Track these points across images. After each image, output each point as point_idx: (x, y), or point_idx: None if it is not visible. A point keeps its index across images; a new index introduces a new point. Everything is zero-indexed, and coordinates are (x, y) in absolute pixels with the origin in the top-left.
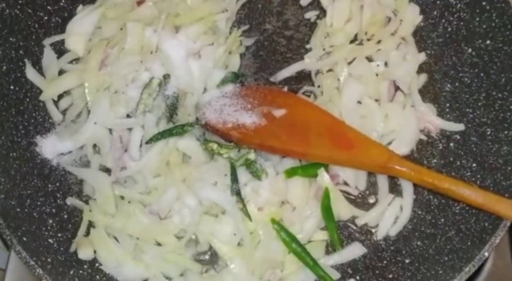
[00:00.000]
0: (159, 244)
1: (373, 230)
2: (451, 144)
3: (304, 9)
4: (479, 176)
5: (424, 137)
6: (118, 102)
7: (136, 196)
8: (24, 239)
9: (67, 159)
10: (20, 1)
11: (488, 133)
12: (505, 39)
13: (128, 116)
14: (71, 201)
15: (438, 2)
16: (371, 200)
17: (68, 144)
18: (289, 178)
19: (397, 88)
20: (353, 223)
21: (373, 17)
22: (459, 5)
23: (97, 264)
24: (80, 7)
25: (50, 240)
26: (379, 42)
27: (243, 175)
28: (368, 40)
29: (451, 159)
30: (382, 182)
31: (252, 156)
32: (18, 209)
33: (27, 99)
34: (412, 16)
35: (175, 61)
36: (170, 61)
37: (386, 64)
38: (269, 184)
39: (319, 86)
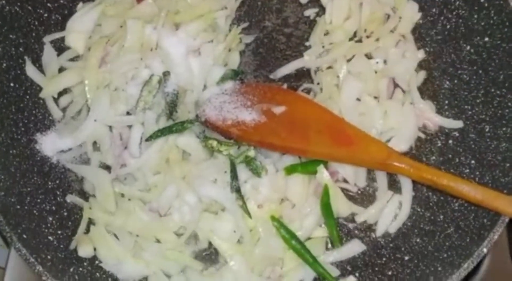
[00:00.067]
0: (159, 242)
1: (373, 227)
2: (450, 141)
3: (304, 7)
4: (477, 173)
5: (423, 134)
6: (118, 100)
7: (136, 193)
8: (24, 236)
9: (67, 156)
10: None
11: (487, 130)
12: (504, 36)
13: (128, 113)
14: (71, 198)
15: None
16: (370, 197)
17: (68, 141)
18: (289, 175)
19: (396, 85)
20: (353, 220)
21: (372, 15)
22: (457, 2)
23: (97, 262)
24: (80, 4)
25: (50, 238)
26: (378, 39)
27: (243, 172)
28: (367, 37)
29: (450, 156)
30: (381, 179)
31: (251, 153)
32: (18, 207)
33: (27, 97)
34: (411, 14)
35: (175, 58)
36: (170, 58)
37: (385, 61)
38: (268, 181)
39: (318, 83)
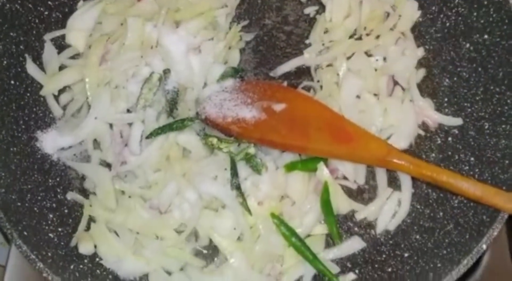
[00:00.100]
0: (159, 239)
1: (372, 224)
2: (449, 139)
3: (304, 5)
4: (477, 170)
5: (422, 132)
6: (119, 97)
7: (136, 190)
8: (25, 233)
9: (68, 154)
10: None
11: (486, 127)
12: (503, 33)
13: (128, 111)
14: (71, 196)
15: None
16: (370, 195)
17: (68, 139)
18: (289, 173)
19: (395, 83)
20: (352, 217)
21: (372, 13)
22: (457, 0)
23: (97, 259)
24: (81, 2)
25: (50, 235)
26: (378, 37)
27: (243, 170)
28: (367, 35)
29: (449, 153)
30: (381, 176)
31: (252, 150)
32: (19, 204)
33: (28, 94)
34: (411, 12)
35: (175, 56)
36: (170, 56)
37: (385, 59)
38: (269, 179)
39: (318, 81)
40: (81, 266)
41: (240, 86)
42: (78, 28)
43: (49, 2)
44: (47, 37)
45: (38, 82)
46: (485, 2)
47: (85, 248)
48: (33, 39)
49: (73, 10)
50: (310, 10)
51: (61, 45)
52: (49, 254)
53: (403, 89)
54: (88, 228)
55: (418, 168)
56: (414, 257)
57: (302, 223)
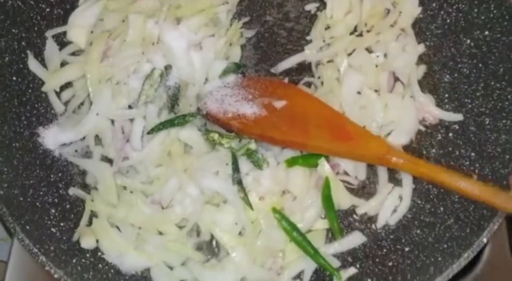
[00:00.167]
0: (161, 234)
1: (373, 219)
2: (450, 134)
3: (304, 1)
4: (477, 165)
5: (423, 128)
6: (120, 93)
7: (138, 186)
8: (27, 227)
9: (69, 149)
10: None
11: (487, 122)
12: (503, 29)
13: (130, 107)
14: (73, 191)
15: None
16: (371, 190)
17: (70, 135)
18: (290, 168)
19: (396, 79)
20: (353, 212)
21: (372, 9)
22: None
23: (99, 253)
24: None
25: (52, 229)
26: (378, 33)
27: (244, 165)
28: (368, 31)
29: (450, 148)
30: (382, 172)
31: (253, 146)
32: (21, 199)
33: (30, 90)
34: (411, 8)
35: (177, 52)
36: (171, 53)
37: (385, 55)
38: (270, 174)
39: (319, 77)
40: (83, 260)
41: (241, 82)
42: (79, 25)
43: None
44: (49, 33)
45: (39, 79)
46: None
47: (87, 243)
48: (35, 36)
49: (74, 6)
50: (311, 7)
51: (62, 41)
52: (52, 248)
53: (403, 85)
54: (90, 223)
55: (417, 166)
56: (415, 252)
57: (303, 218)
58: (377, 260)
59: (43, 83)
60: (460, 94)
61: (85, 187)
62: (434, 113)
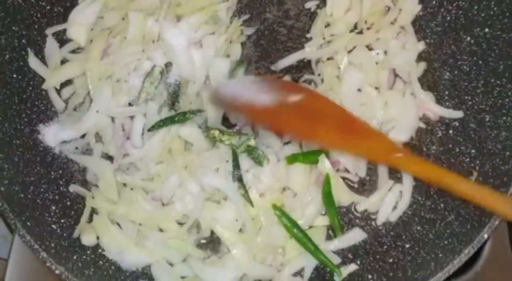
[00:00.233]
0: (161, 230)
1: (373, 216)
2: (450, 131)
3: None
4: (478, 162)
5: (423, 125)
6: (120, 91)
7: (138, 182)
8: (28, 224)
9: (70, 147)
10: None
11: (487, 119)
12: (504, 26)
13: (130, 104)
14: (74, 188)
15: None
16: (371, 187)
17: (70, 132)
18: (290, 165)
19: (396, 76)
20: (354, 209)
21: (372, 7)
22: None
23: (100, 250)
24: None
25: (53, 226)
26: (378, 31)
27: (245, 162)
28: (368, 29)
29: (450, 145)
30: (382, 168)
31: (252, 142)
32: (22, 195)
33: (30, 88)
34: (411, 5)
35: (177, 50)
36: (171, 50)
37: (385, 52)
38: (270, 171)
39: (319, 75)
40: (84, 256)
41: (258, 79)
42: (79, 23)
43: None
44: (49, 31)
45: (40, 76)
46: None
47: (87, 240)
48: (35, 33)
49: (74, 4)
50: (311, 4)
51: (63, 39)
52: (52, 244)
53: (404, 82)
54: (90, 219)
55: (424, 168)
56: (415, 248)
57: (304, 215)
58: (377, 256)
59: (43, 80)
60: (460, 91)
61: (86, 184)
62: (434, 110)
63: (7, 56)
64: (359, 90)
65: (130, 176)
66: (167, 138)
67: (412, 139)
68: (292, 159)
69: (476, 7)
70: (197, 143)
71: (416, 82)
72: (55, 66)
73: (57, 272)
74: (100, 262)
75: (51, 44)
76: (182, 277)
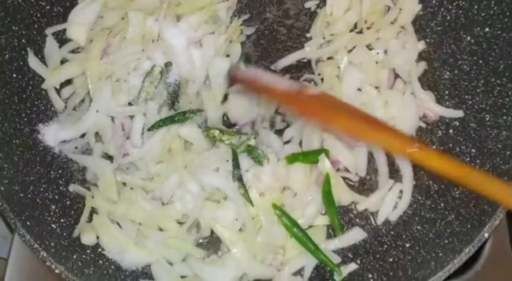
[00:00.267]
0: (161, 230)
1: (374, 215)
2: (451, 131)
3: None
4: (478, 161)
5: (423, 124)
6: (120, 90)
7: (138, 182)
8: (28, 223)
9: (69, 146)
10: None
11: (487, 119)
12: (504, 26)
13: (130, 104)
14: (73, 187)
15: None
16: (371, 186)
17: (70, 132)
18: (290, 164)
19: (396, 76)
20: (354, 208)
21: (372, 6)
22: None
23: (100, 249)
24: None
25: (53, 226)
26: (378, 30)
27: (245, 161)
28: (368, 28)
29: (451, 145)
30: (382, 168)
31: (252, 142)
32: (22, 195)
33: (30, 87)
34: (411, 5)
35: (177, 49)
36: (171, 50)
37: (385, 52)
38: (270, 170)
39: (319, 74)
40: (83, 256)
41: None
42: (79, 22)
43: None
44: (49, 31)
45: (40, 76)
46: None
47: (87, 239)
48: (35, 33)
49: (74, 4)
50: (311, 4)
51: (62, 39)
52: (52, 244)
53: (404, 81)
54: (90, 219)
55: (441, 162)
56: (416, 247)
57: (304, 214)
58: (377, 256)
59: (43, 80)
60: (461, 91)
61: (85, 183)
62: (434, 109)
63: (7, 55)
64: (359, 89)
65: (130, 175)
66: (167, 138)
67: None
68: (292, 159)
69: (476, 7)
70: (197, 142)
71: (416, 82)
72: (55, 66)
73: (57, 271)
74: (100, 261)
75: (50, 44)
76: (182, 277)
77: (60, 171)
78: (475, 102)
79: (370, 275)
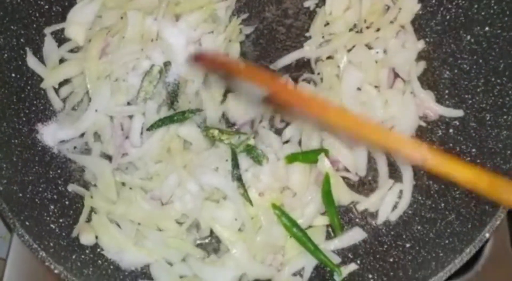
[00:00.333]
0: (160, 230)
1: (374, 215)
2: (451, 130)
3: None
4: (478, 161)
5: (423, 124)
6: (119, 90)
7: (137, 182)
8: (27, 223)
9: (68, 146)
10: None
11: (487, 118)
12: (504, 25)
13: (129, 103)
14: (72, 187)
15: None
16: (371, 186)
17: (69, 131)
18: (290, 164)
19: (396, 75)
20: (354, 208)
21: (372, 6)
22: None
23: (99, 249)
24: None
25: (52, 226)
26: (378, 30)
27: (244, 161)
28: (367, 28)
29: (451, 144)
30: (382, 168)
31: (252, 141)
32: (20, 195)
33: (28, 87)
34: (411, 4)
35: (176, 49)
36: (170, 49)
37: (385, 51)
38: (269, 170)
39: (318, 74)
40: (82, 256)
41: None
42: (78, 22)
43: None
44: (47, 30)
45: (38, 75)
46: None
47: (86, 239)
48: (34, 33)
49: (73, 3)
50: (310, 3)
51: (61, 38)
52: (51, 244)
53: (403, 81)
54: (89, 219)
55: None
56: (416, 247)
57: (303, 214)
58: (378, 256)
59: (41, 79)
60: (461, 90)
61: (84, 183)
62: (434, 109)
63: (6, 55)
64: (358, 89)
65: (129, 175)
66: (166, 137)
67: (412, 138)
68: (291, 159)
69: (476, 6)
70: (196, 142)
71: (416, 81)
72: (54, 65)
73: (56, 271)
74: (99, 261)
75: (49, 43)
76: (181, 277)
77: (59, 171)
78: (475, 101)
79: (370, 276)
